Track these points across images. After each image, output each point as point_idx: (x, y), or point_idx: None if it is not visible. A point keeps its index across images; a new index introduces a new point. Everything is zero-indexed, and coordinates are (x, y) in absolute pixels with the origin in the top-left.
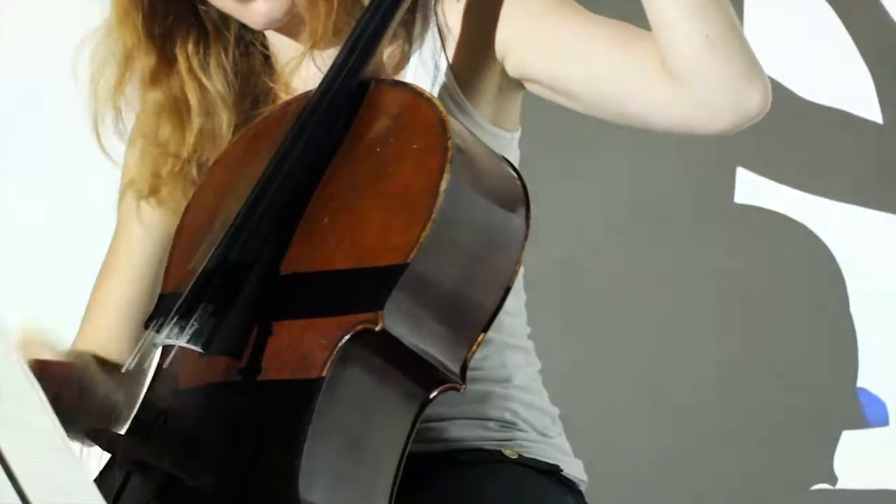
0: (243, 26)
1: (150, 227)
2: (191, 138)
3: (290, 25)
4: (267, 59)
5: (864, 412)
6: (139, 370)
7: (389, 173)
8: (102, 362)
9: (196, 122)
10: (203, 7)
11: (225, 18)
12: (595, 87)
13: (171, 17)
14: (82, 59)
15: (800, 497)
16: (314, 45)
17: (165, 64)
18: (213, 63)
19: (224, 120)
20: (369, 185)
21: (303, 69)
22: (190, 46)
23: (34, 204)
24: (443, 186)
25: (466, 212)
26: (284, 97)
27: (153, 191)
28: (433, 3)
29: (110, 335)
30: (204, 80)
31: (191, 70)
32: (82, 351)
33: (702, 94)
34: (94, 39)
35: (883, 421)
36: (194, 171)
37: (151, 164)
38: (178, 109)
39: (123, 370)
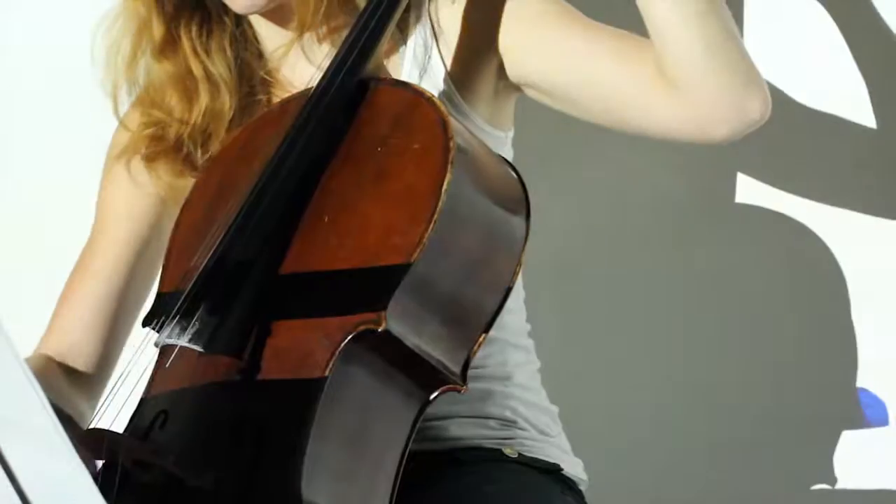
0: (240, 16)
1: (143, 189)
2: (197, 112)
3: (278, 13)
4: (260, 53)
5: (864, 412)
6: (102, 373)
7: (391, 173)
8: (64, 370)
9: (203, 98)
10: None
11: (224, 5)
12: (592, 95)
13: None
14: (98, 38)
15: (800, 497)
16: (301, 33)
17: (171, 42)
18: (214, 46)
19: (227, 102)
20: (370, 184)
21: (298, 64)
22: (193, 29)
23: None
24: (444, 186)
25: (468, 211)
26: (279, 90)
27: (152, 156)
28: (427, 4)
29: (80, 340)
30: (207, 62)
31: (195, 51)
32: (43, 359)
33: (700, 103)
34: (109, 17)
35: (883, 421)
36: (193, 148)
37: (154, 127)
38: (185, 84)
39: (124, 371)
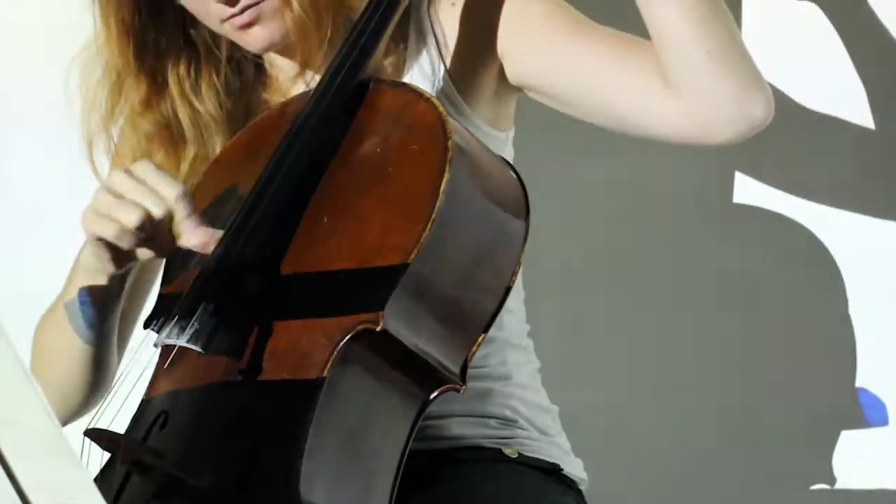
0: (234, 44)
1: None
2: (185, 166)
3: (288, 47)
4: (258, 68)
5: (864, 412)
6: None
7: (389, 173)
8: None
9: (190, 149)
10: (193, 30)
11: (216, 38)
12: (594, 97)
13: (163, 41)
14: (73, 78)
15: (800, 497)
16: (305, 70)
17: (156, 90)
18: (204, 85)
19: (217, 143)
20: (369, 185)
21: (296, 88)
22: (181, 69)
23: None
24: (443, 186)
25: (467, 211)
26: None
27: None
28: (426, 6)
29: None
30: (196, 102)
31: (183, 93)
32: None
33: (703, 107)
34: (85, 57)
35: (883, 421)
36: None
37: None
38: (171, 136)
39: (124, 371)
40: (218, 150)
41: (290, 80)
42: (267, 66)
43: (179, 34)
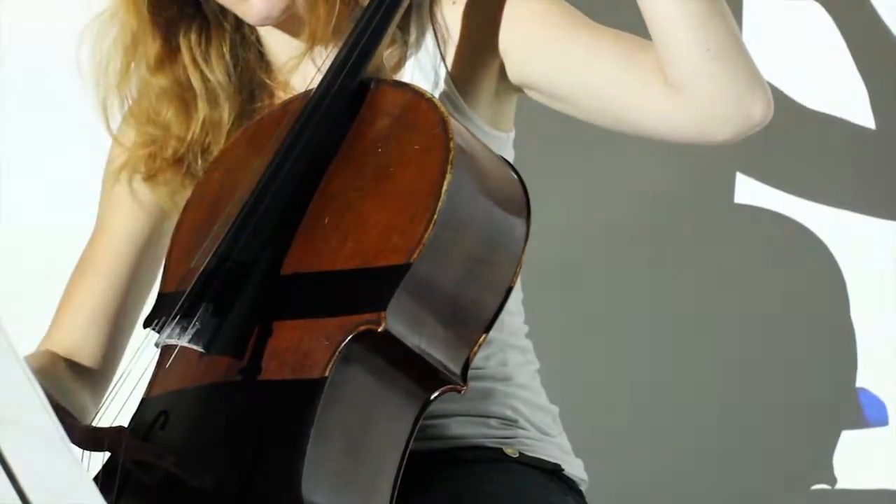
0: (240, 19)
1: (144, 205)
2: (195, 125)
3: (289, 23)
4: (261, 54)
5: (864, 412)
6: (106, 369)
7: (391, 173)
8: (68, 366)
9: (201, 110)
10: None
11: (224, 10)
12: (594, 96)
13: (174, 8)
14: (85, 46)
15: (800, 497)
16: (313, 46)
17: (170, 51)
18: (214, 54)
19: (226, 110)
20: (371, 185)
21: (304, 69)
22: (192, 37)
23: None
24: (445, 186)
25: (468, 212)
26: (282, 94)
27: (151, 174)
28: (428, 5)
29: (83, 336)
30: (206, 70)
31: (194, 60)
32: (48, 355)
33: (703, 106)
34: (97, 24)
35: (883, 421)
36: (193, 160)
37: (151, 146)
38: (182, 96)
39: (125, 371)
40: (226, 117)
41: (295, 60)
42: (265, 45)
43: (190, 2)
